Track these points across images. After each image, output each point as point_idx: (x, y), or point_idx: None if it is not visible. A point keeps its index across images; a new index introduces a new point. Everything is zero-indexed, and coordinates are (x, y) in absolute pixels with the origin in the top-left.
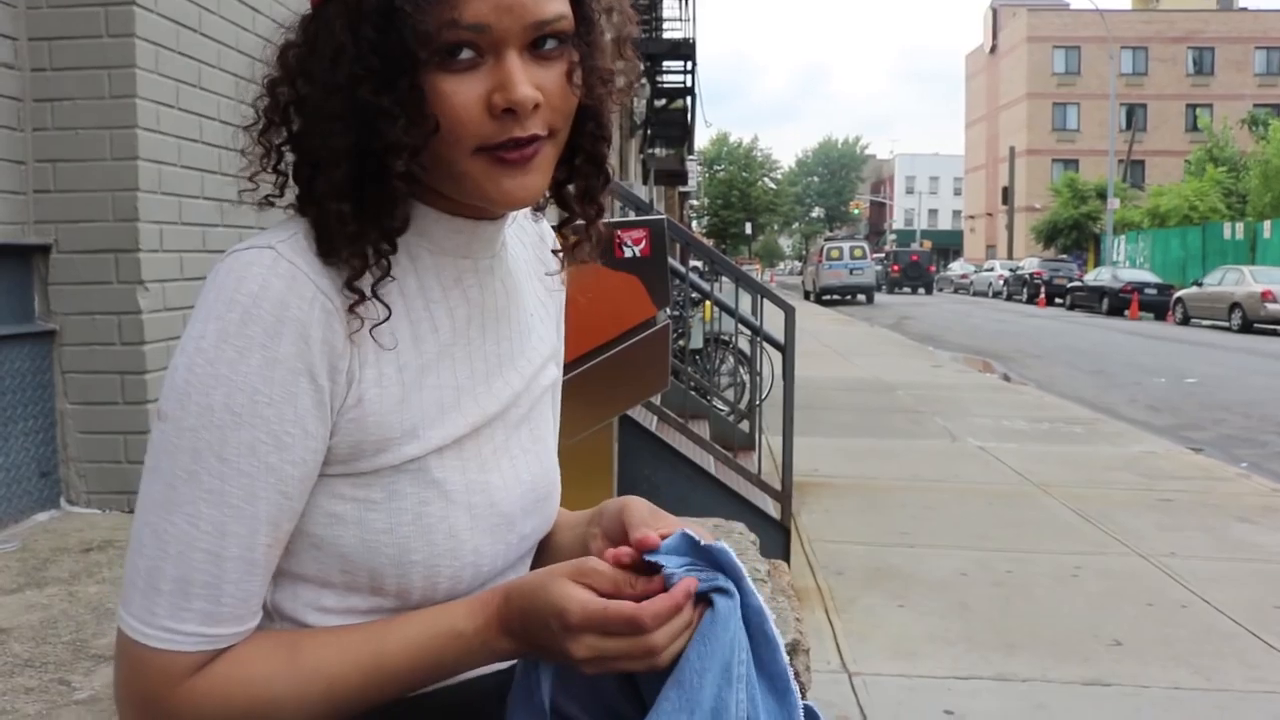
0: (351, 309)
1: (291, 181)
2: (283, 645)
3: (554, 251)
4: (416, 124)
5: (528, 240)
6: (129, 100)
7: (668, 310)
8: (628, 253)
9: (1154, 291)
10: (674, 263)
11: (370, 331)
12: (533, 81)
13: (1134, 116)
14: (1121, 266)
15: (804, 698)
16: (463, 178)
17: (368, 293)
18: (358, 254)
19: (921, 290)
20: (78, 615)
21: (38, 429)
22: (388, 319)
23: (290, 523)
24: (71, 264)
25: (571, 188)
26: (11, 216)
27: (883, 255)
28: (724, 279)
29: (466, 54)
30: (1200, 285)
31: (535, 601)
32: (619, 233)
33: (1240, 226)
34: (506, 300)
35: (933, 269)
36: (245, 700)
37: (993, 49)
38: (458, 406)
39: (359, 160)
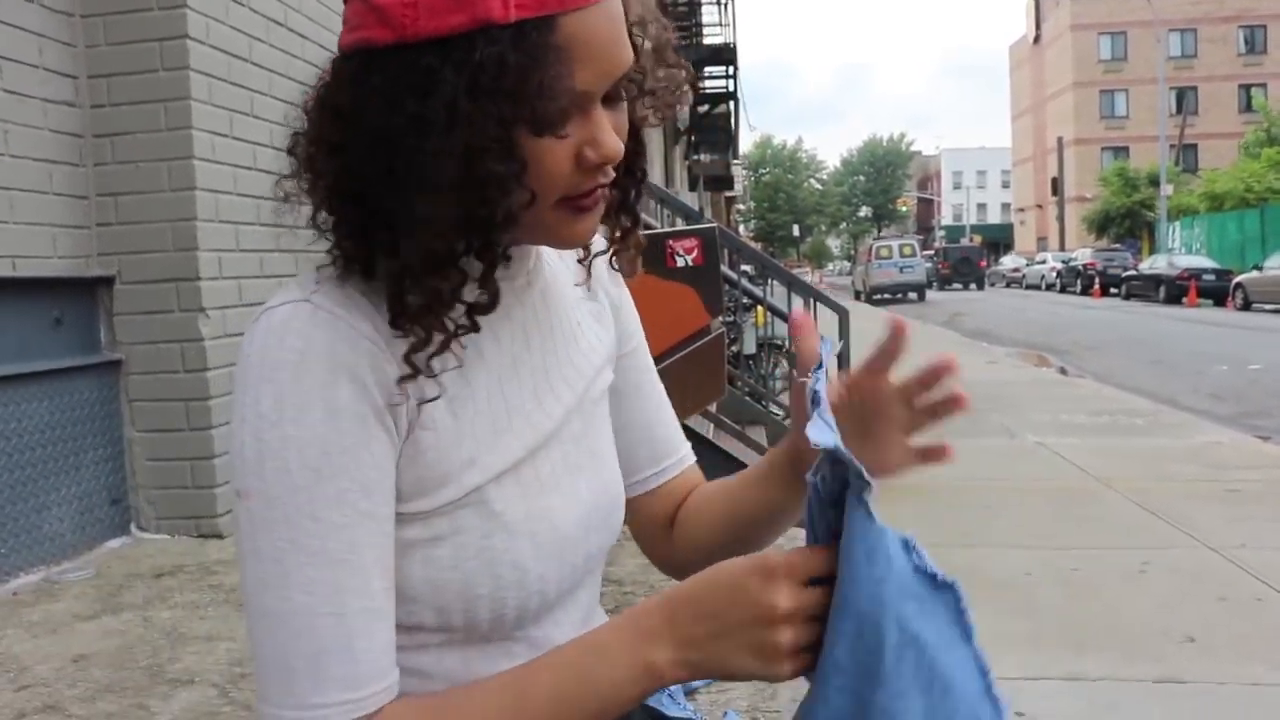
0: (404, 378)
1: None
2: (428, 709)
3: (580, 260)
4: (524, 192)
5: (564, 252)
6: (185, 132)
7: (721, 318)
8: (680, 262)
9: (1212, 277)
10: (725, 269)
11: (429, 367)
12: (613, 128)
13: (1184, 100)
14: (1177, 253)
15: None
16: (536, 226)
17: (422, 367)
18: (433, 327)
19: (973, 286)
20: (153, 640)
21: (107, 457)
22: (439, 396)
23: (393, 558)
24: (135, 294)
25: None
26: (76, 250)
27: (932, 252)
28: (774, 282)
29: (564, 118)
30: (1260, 269)
31: (718, 574)
32: (670, 243)
33: None
34: (547, 312)
35: (983, 264)
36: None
37: (1036, 39)
38: (510, 428)
39: (467, 229)
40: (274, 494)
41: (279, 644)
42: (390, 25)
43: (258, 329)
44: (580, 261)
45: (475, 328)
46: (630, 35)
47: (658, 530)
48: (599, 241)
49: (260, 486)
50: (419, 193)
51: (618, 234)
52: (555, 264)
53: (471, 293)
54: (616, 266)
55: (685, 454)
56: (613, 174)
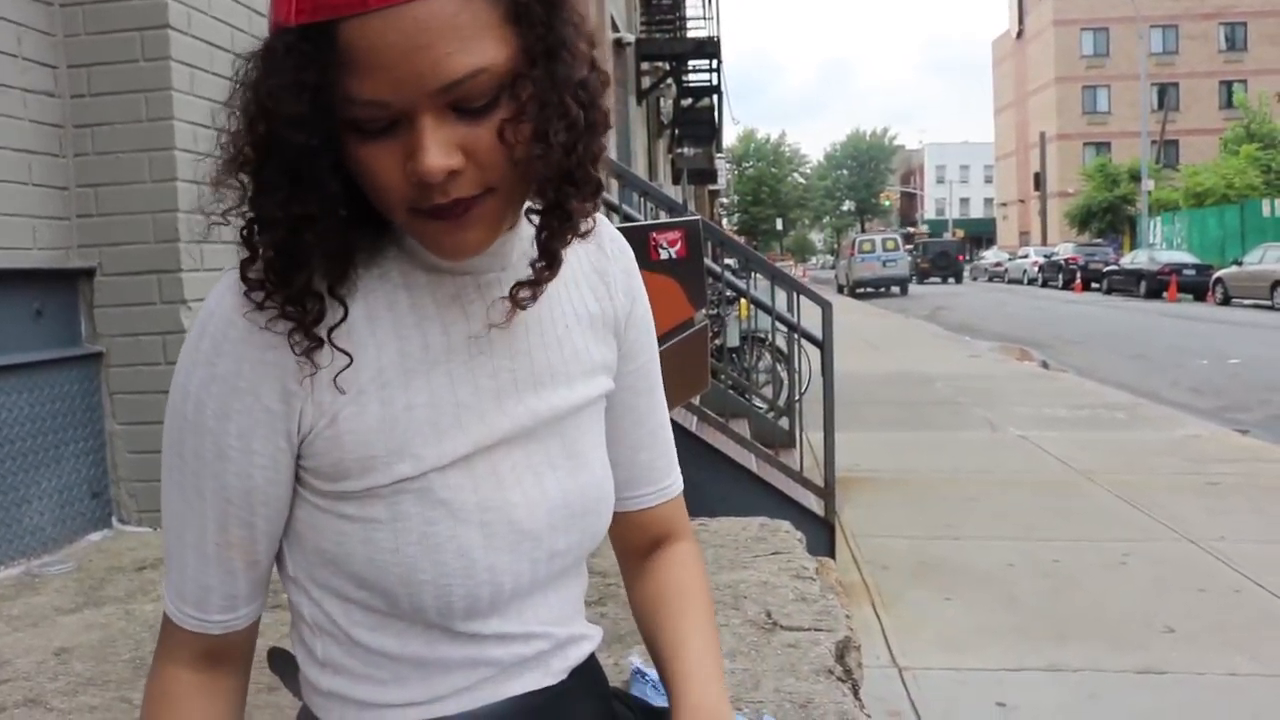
0: (306, 353)
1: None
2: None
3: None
4: (303, 194)
5: (577, 247)
6: (167, 123)
7: (704, 311)
8: (663, 255)
9: (1192, 272)
10: (709, 262)
11: (331, 338)
12: (455, 141)
13: (1166, 96)
14: (1158, 248)
15: (857, 695)
16: (406, 229)
17: (324, 337)
18: (293, 305)
19: (951, 280)
20: (136, 634)
21: (88, 450)
22: (349, 365)
23: (240, 529)
24: (116, 286)
25: (545, 220)
26: (56, 241)
27: (911, 247)
28: (758, 275)
29: (375, 124)
30: (1240, 264)
31: None
32: (654, 235)
33: None
34: (521, 315)
35: (961, 258)
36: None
37: (1019, 34)
38: (459, 425)
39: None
40: (168, 422)
41: (165, 529)
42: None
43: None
44: (540, 265)
45: (303, 314)
46: (535, 40)
47: (629, 556)
48: (621, 254)
49: (167, 410)
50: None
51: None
52: (566, 262)
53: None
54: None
55: (668, 486)
56: (461, 194)
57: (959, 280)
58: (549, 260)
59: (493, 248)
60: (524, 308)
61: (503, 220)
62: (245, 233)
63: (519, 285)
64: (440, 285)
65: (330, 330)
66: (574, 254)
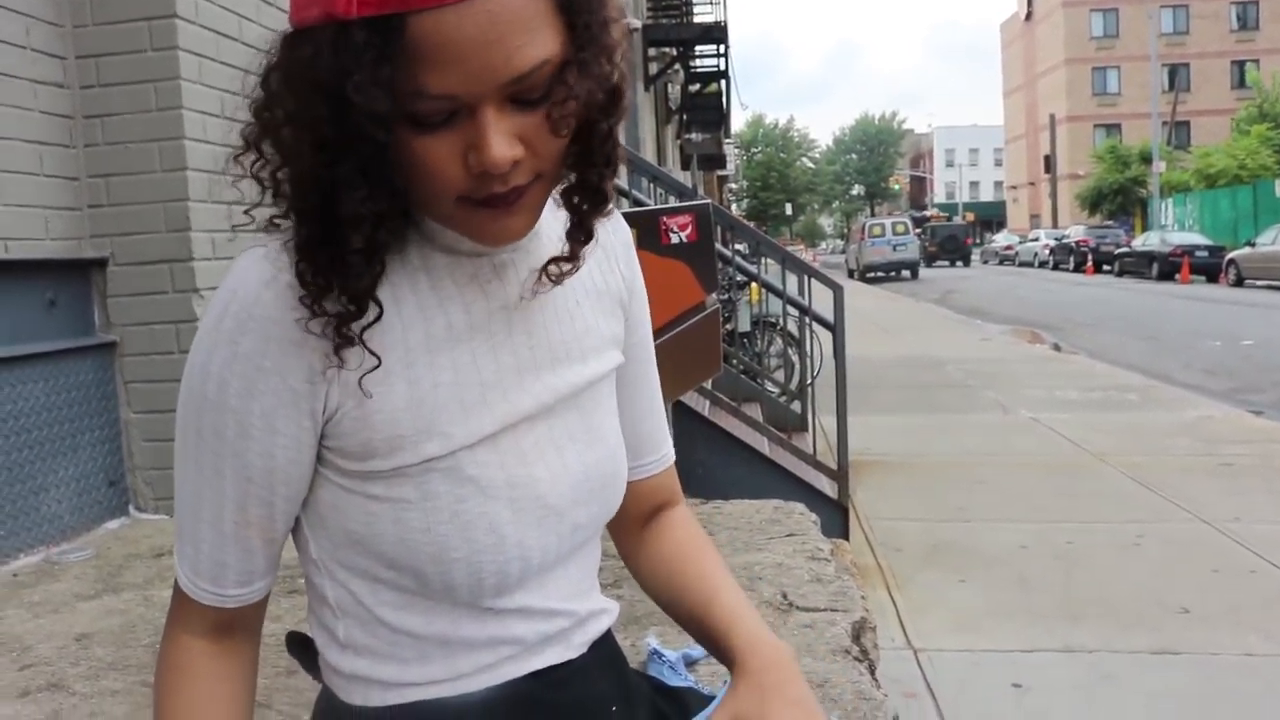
0: (337, 349)
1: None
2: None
3: (578, 240)
4: (383, 191)
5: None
6: (175, 112)
7: (716, 294)
8: (674, 239)
9: (1205, 254)
10: (720, 247)
11: (361, 336)
12: (514, 131)
13: (1176, 77)
14: (1170, 230)
15: (873, 675)
16: (447, 220)
17: (356, 337)
18: (334, 303)
19: (959, 263)
20: (155, 619)
21: (104, 439)
22: (378, 366)
23: (259, 509)
24: (128, 276)
25: (573, 199)
26: (68, 232)
27: (919, 231)
28: (768, 260)
29: (437, 117)
30: (1253, 245)
31: None
32: (664, 219)
33: None
34: (543, 293)
35: (969, 241)
36: (163, 697)
37: (1028, 16)
38: (484, 403)
39: (323, 222)
40: (184, 399)
41: (177, 503)
42: (289, 11)
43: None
44: (578, 241)
45: (360, 310)
46: (581, 30)
47: (629, 527)
48: (620, 228)
49: (182, 387)
50: (288, 181)
51: (572, 238)
52: (556, 240)
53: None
54: (555, 275)
55: (665, 454)
56: (519, 182)
57: (967, 263)
58: (588, 236)
59: None
60: (558, 282)
61: (544, 203)
62: (303, 233)
63: (555, 260)
64: (458, 266)
65: (363, 330)
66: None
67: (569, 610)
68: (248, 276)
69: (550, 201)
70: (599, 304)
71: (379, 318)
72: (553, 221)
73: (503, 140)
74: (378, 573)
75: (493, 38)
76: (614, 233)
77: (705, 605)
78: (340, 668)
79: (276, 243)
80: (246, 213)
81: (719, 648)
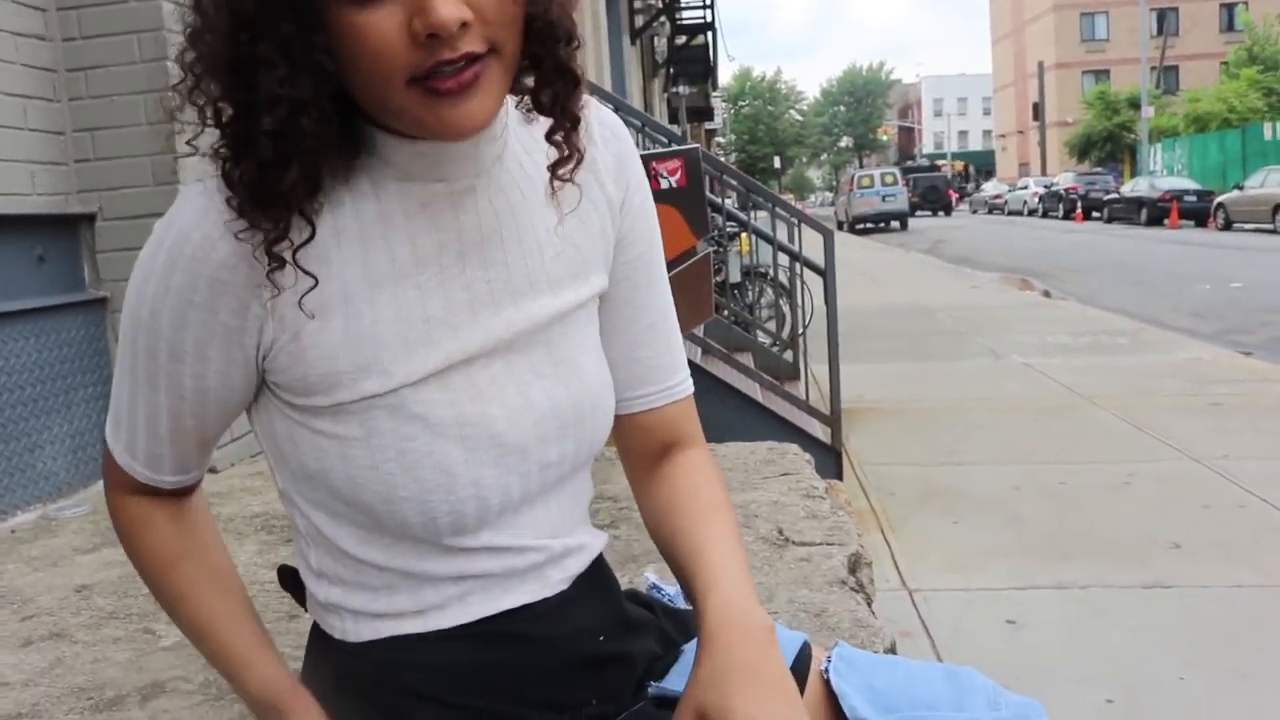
0: (270, 273)
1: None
2: (175, 545)
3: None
4: (308, 72)
5: (543, 148)
6: (160, 63)
7: (707, 238)
8: (664, 184)
9: (1193, 198)
10: (710, 195)
11: (296, 259)
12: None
13: (1165, 21)
14: (1159, 175)
15: (870, 606)
16: (400, 112)
17: (288, 259)
18: (267, 217)
19: (941, 213)
20: None
21: (97, 396)
22: (314, 287)
23: (193, 419)
24: (117, 230)
25: (544, 96)
26: (55, 187)
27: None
28: (757, 212)
29: None
30: (1241, 189)
31: None
32: (653, 164)
33: None
34: (496, 221)
35: (951, 193)
36: (131, 549)
37: None
38: (429, 340)
39: (250, 115)
40: (125, 316)
41: (114, 388)
42: None
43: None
44: (567, 130)
45: (296, 210)
46: None
47: (637, 465)
48: (610, 140)
49: (126, 299)
50: (212, 76)
51: (558, 138)
52: (529, 164)
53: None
54: (564, 176)
55: (674, 385)
56: (471, 49)
57: (948, 213)
58: (574, 121)
59: (462, 154)
60: (569, 179)
61: (504, 88)
62: (229, 131)
63: (557, 164)
64: (409, 194)
65: (295, 250)
66: (531, 155)
67: (541, 546)
68: (183, 212)
69: (518, 116)
70: (579, 223)
71: (311, 238)
72: (527, 140)
73: (449, 1)
74: (335, 507)
75: None
76: (605, 144)
77: (688, 559)
78: (316, 595)
79: (215, 178)
80: (189, 143)
81: (696, 607)
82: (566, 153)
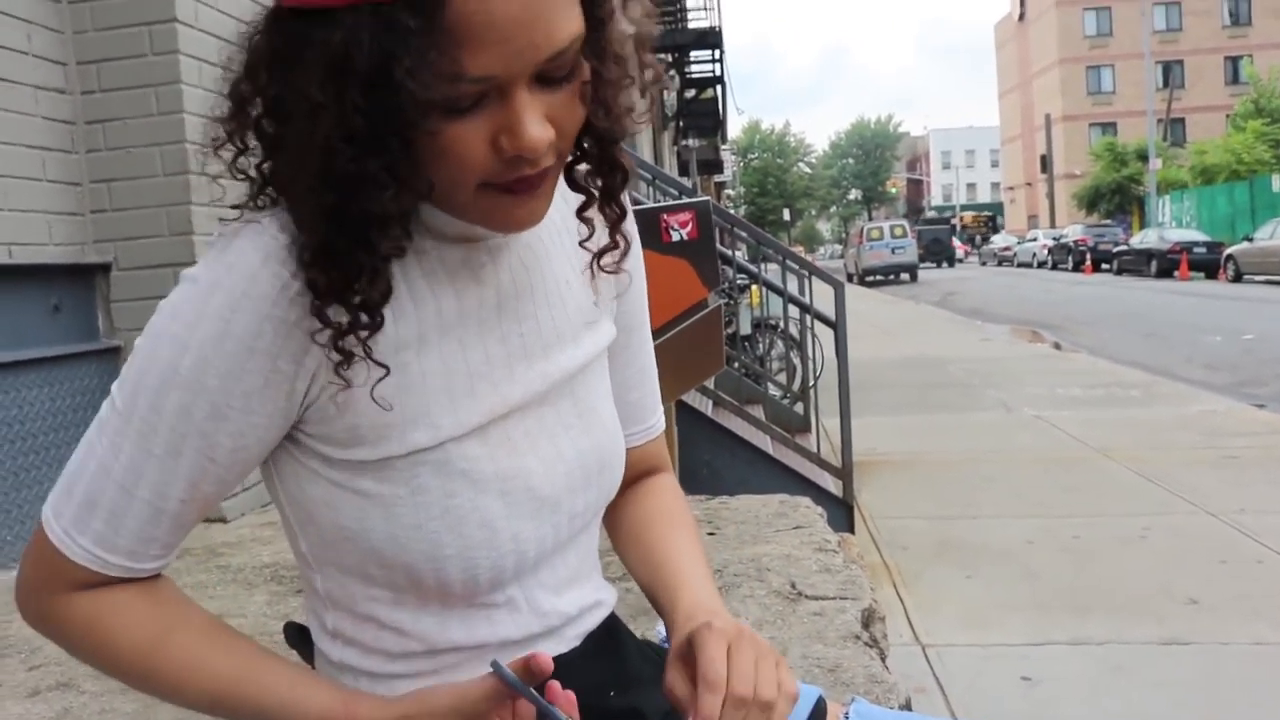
0: (338, 368)
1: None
2: (158, 621)
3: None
4: (410, 189)
5: (565, 195)
6: (177, 116)
7: (717, 290)
8: (675, 236)
9: (1203, 250)
10: (721, 248)
11: (366, 345)
12: (544, 111)
13: (1171, 74)
14: (1167, 227)
15: (884, 661)
16: (466, 208)
17: (359, 350)
18: (343, 305)
19: (945, 264)
20: None
21: None
22: (385, 375)
23: (214, 486)
24: (132, 280)
25: (593, 186)
26: (71, 238)
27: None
28: (766, 264)
29: (467, 100)
30: (1251, 240)
31: (462, 702)
32: (664, 216)
33: None
34: (527, 276)
35: (954, 243)
36: (98, 645)
37: (1021, 16)
38: (472, 393)
39: (341, 224)
40: (140, 367)
41: (76, 470)
42: None
43: (215, 236)
44: (579, 215)
45: (372, 325)
46: (599, 8)
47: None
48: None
49: (137, 354)
50: (294, 179)
51: (607, 228)
52: (549, 217)
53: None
54: (606, 268)
55: (655, 423)
56: (548, 164)
57: (951, 264)
58: (622, 212)
59: None
60: (614, 272)
61: (556, 186)
62: (315, 238)
63: (603, 252)
64: (449, 251)
65: (367, 339)
66: (560, 203)
67: (560, 611)
68: (244, 252)
69: None
70: (587, 276)
71: (380, 326)
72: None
73: (537, 122)
74: (369, 570)
75: (535, 14)
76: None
77: (657, 568)
78: (330, 655)
79: (273, 221)
80: (236, 207)
81: (664, 607)
82: (614, 243)
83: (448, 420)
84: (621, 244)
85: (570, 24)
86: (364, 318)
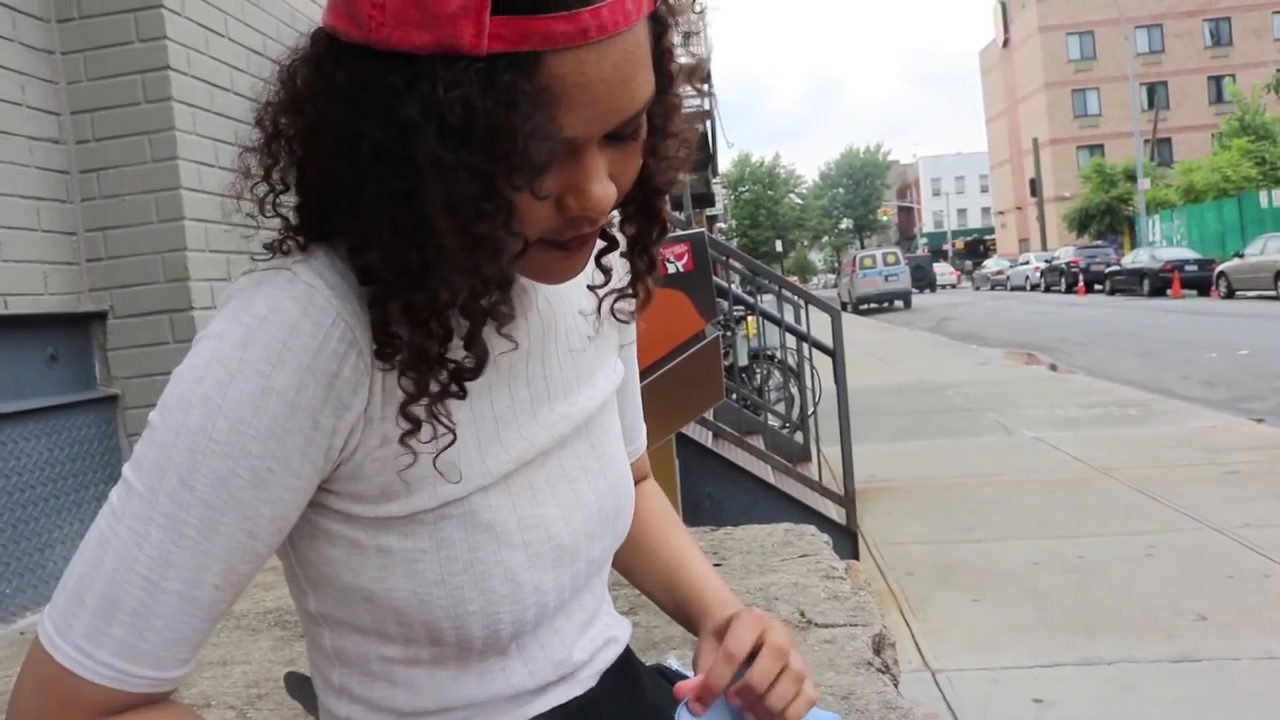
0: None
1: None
2: None
3: (591, 287)
4: (515, 241)
5: None
6: (171, 163)
7: (714, 321)
8: (671, 268)
9: (1195, 268)
10: (717, 280)
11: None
12: (608, 170)
13: (1155, 95)
14: (1158, 246)
15: (896, 687)
16: (514, 262)
17: (434, 411)
18: (424, 378)
19: (927, 290)
20: None
21: (107, 494)
22: (452, 441)
23: (248, 566)
24: (128, 328)
25: (626, 232)
26: (67, 287)
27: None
28: (762, 295)
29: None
30: (1242, 256)
31: None
32: (661, 249)
33: (1277, 194)
34: (553, 318)
35: (956, 272)
36: None
37: (1005, 42)
38: (498, 440)
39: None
40: (159, 439)
41: (87, 571)
42: (358, 23)
43: (234, 287)
44: (597, 260)
45: (462, 394)
46: (663, 65)
47: None
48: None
49: (157, 426)
50: (391, 230)
51: (630, 277)
52: None
53: (457, 350)
54: (620, 315)
55: (641, 442)
56: (601, 221)
57: (933, 290)
58: (652, 264)
59: None
60: (629, 321)
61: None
62: (401, 296)
63: (621, 297)
64: None
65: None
66: None
67: (575, 657)
68: (278, 301)
69: None
70: (595, 315)
71: (465, 395)
72: None
73: (603, 181)
74: (386, 628)
75: (625, 76)
76: None
77: (673, 568)
78: (335, 712)
79: (304, 268)
80: (268, 247)
81: (688, 600)
82: (635, 293)
83: (476, 470)
84: (643, 296)
85: (648, 85)
86: (454, 387)
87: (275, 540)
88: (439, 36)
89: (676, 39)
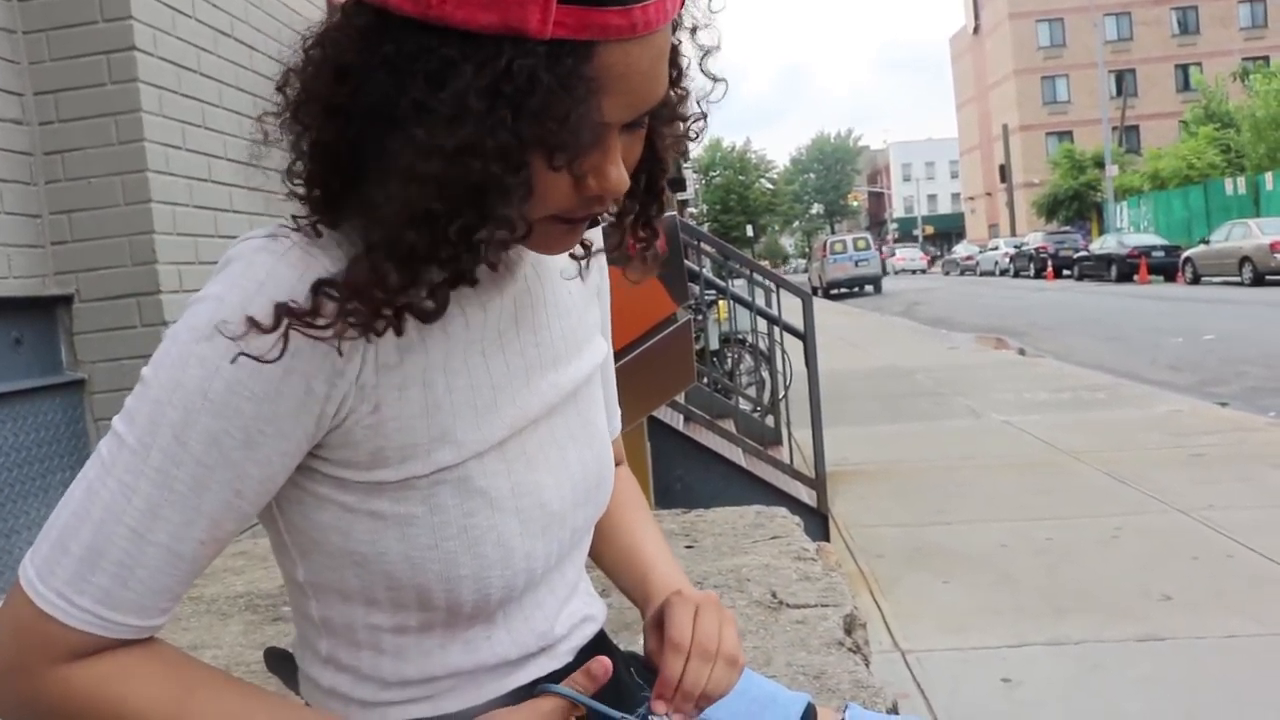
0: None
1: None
2: (176, 681)
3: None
4: (527, 203)
5: None
6: (137, 145)
7: (686, 304)
8: None
9: (1161, 254)
10: (688, 263)
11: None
12: (624, 157)
13: (1124, 82)
14: (1126, 232)
15: (868, 666)
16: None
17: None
18: (375, 311)
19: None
20: None
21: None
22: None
23: (233, 523)
24: (94, 312)
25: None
26: (32, 270)
27: None
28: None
29: None
30: (1207, 243)
31: None
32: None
33: (1241, 181)
34: (540, 286)
35: (924, 256)
36: (110, 716)
37: (976, 29)
38: (494, 407)
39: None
40: (153, 395)
41: (72, 521)
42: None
43: (231, 253)
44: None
45: (399, 329)
46: (674, 58)
47: None
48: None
49: (152, 382)
50: (411, 181)
51: (636, 244)
52: None
53: (419, 295)
54: (630, 276)
55: (616, 424)
56: (614, 201)
57: (884, 274)
58: (653, 235)
59: None
60: (620, 263)
61: None
62: (404, 244)
63: (618, 252)
64: None
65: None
66: None
67: (555, 628)
68: (274, 268)
69: None
70: (584, 292)
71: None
72: None
73: (621, 165)
74: (376, 594)
75: (659, 69)
76: None
77: (629, 549)
78: (320, 682)
79: (301, 236)
80: (296, 217)
81: (635, 585)
82: (645, 260)
83: (472, 437)
84: (650, 261)
85: (667, 76)
86: (430, 303)
87: (261, 501)
88: (505, 19)
89: (685, 34)
